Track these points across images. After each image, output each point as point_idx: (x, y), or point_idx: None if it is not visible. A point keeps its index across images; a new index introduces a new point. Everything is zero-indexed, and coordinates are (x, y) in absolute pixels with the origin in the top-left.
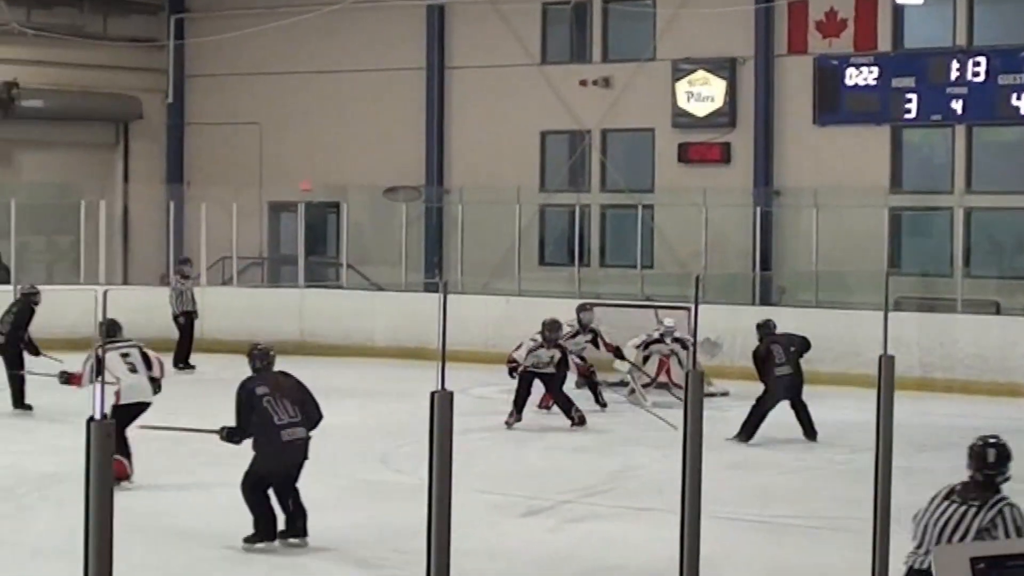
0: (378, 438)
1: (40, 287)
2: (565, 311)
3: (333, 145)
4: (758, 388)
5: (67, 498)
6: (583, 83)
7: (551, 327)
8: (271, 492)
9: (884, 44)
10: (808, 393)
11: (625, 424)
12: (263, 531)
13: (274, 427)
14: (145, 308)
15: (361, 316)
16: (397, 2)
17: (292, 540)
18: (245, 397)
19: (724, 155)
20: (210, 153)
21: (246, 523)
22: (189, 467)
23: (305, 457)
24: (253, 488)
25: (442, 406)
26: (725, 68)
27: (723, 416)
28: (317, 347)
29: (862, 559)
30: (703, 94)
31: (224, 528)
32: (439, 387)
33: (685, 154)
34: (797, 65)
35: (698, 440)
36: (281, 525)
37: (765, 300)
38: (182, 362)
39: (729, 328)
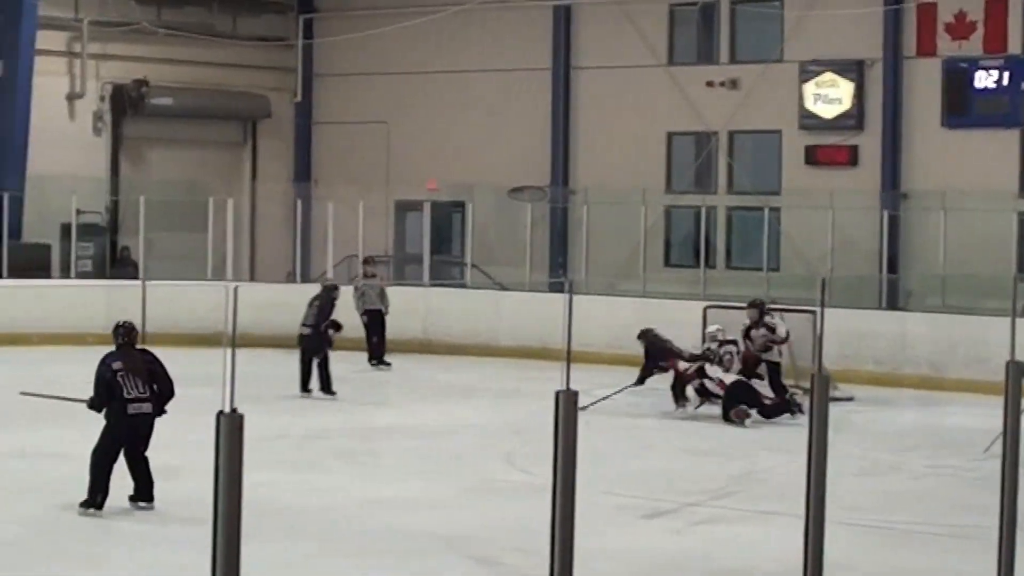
0: (502, 437)
1: (168, 282)
2: (690, 313)
3: (459, 145)
4: (885, 393)
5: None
6: (710, 84)
7: None
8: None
9: (1014, 46)
10: (935, 399)
11: (751, 429)
12: (93, 499)
13: (122, 400)
14: (271, 305)
15: (485, 315)
16: (524, 3)
17: (141, 504)
18: (102, 371)
19: (851, 157)
20: (337, 152)
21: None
22: None
23: (149, 430)
24: (101, 456)
25: (567, 406)
26: (853, 70)
27: (847, 420)
28: (440, 346)
29: (987, 567)
30: (831, 96)
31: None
32: (564, 386)
33: (812, 156)
34: (925, 67)
35: (823, 444)
36: (131, 491)
37: (892, 304)
38: (375, 359)
39: (855, 332)
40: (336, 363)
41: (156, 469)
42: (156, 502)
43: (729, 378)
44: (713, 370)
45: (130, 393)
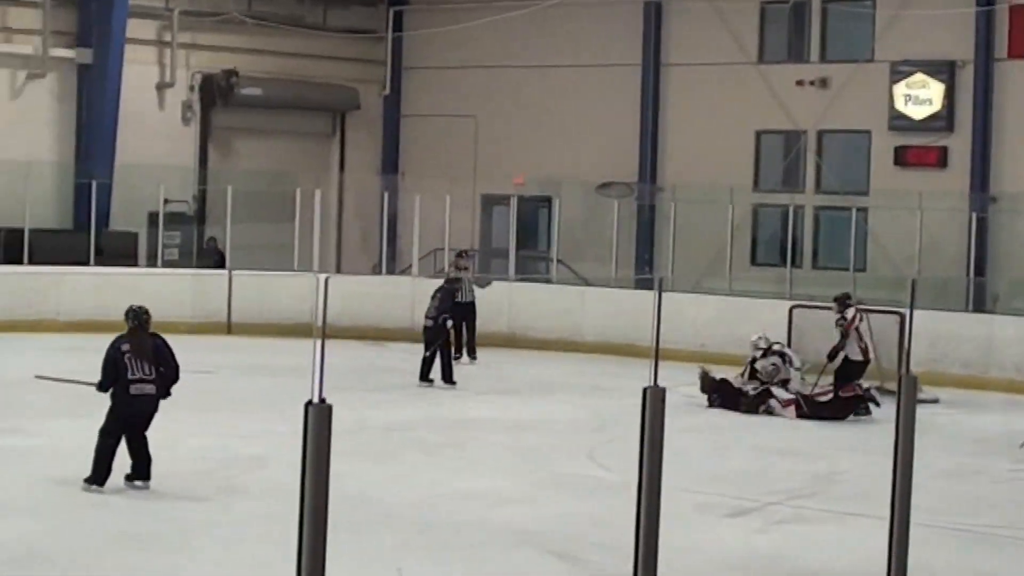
0: (585, 433)
1: (254, 273)
2: (776, 312)
3: (547, 140)
4: (971, 396)
5: (281, 481)
6: (800, 83)
7: None
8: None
9: None
10: (1021, 403)
11: (830, 429)
12: (96, 476)
13: (126, 381)
14: (356, 297)
15: (570, 311)
16: None
17: (137, 483)
18: (111, 353)
19: (941, 159)
20: (425, 145)
21: None
22: None
23: (153, 411)
24: (106, 435)
25: (654, 402)
26: (944, 71)
27: (932, 423)
28: (525, 341)
29: None
30: (921, 97)
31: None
32: (651, 383)
33: (902, 157)
34: (1018, 69)
35: (910, 445)
36: (127, 470)
37: (978, 307)
38: (463, 353)
39: (941, 334)
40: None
41: (242, 459)
42: (246, 491)
43: (788, 395)
44: (778, 391)
45: (135, 374)
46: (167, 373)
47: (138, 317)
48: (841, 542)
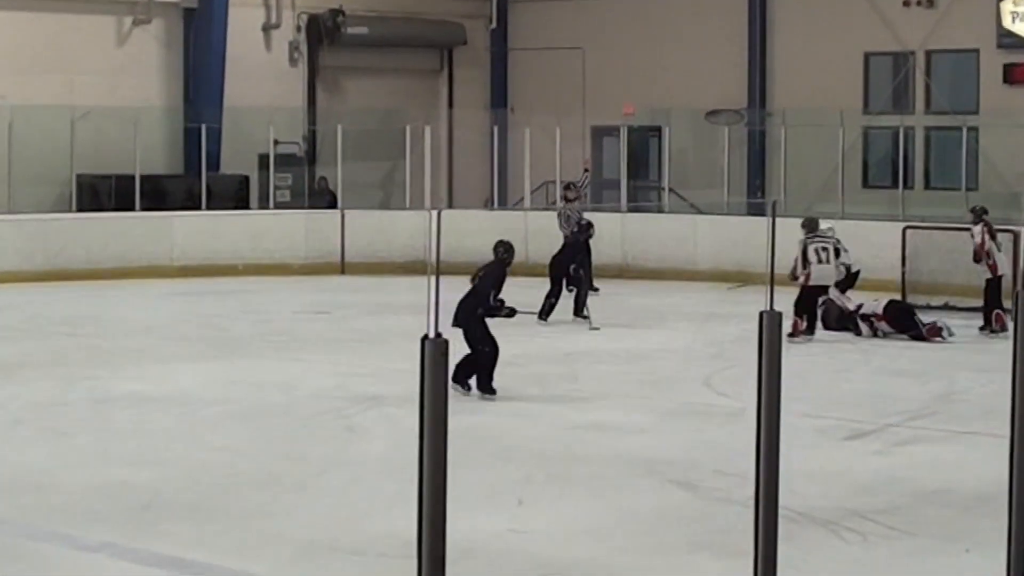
0: (702, 361)
1: (366, 211)
2: (889, 234)
3: (655, 69)
4: None
5: (398, 418)
6: (906, 3)
7: None
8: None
9: None
10: None
11: (946, 348)
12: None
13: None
14: (469, 232)
15: (683, 240)
16: None
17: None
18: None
19: None
20: (533, 78)
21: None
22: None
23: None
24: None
25: (771, 326)
26: None
27: None
28: (639, 271)
29: None
30: None
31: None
32: (767, 307)
33: (1010, 75)
34: None
35: None
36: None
37: None
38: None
39: None
40: (537, 289)
41: (360, 398)
42: (365, 430)
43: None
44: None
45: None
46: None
47: (510, 251)
48: (961, 462)
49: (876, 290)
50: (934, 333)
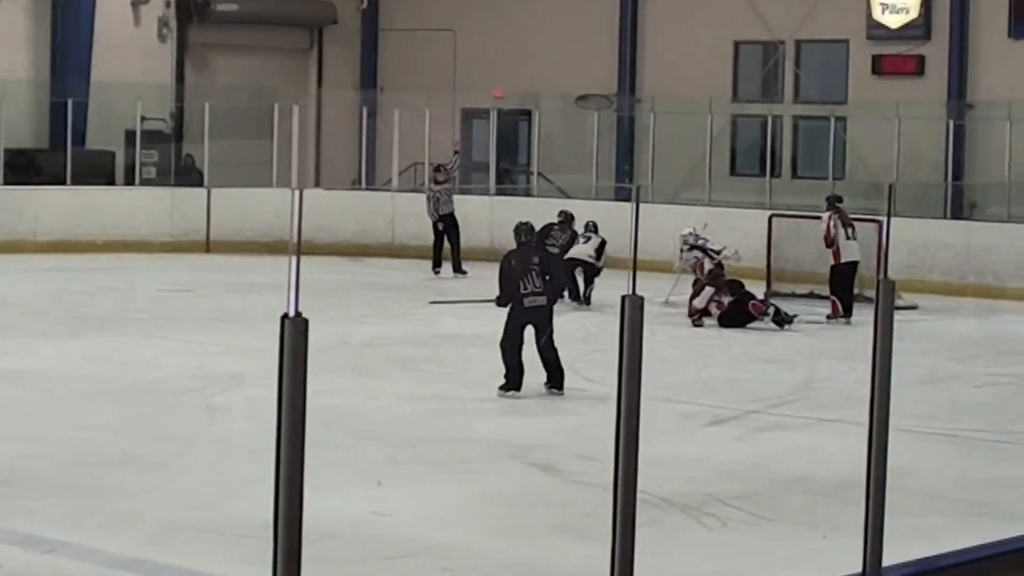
0: (567, 345)
1: (232, 190)
2: (755, 222)
3: (526, 52)
4: (949, 303)
5: (260, 398)
6: None
7: None
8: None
9: None
10: (996, 308)
11: (809, 336)
12: (511, 382)
13: (520, 295)
14: (336, 212)
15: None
16: None
17: (553, 391)
18: (504, 268)
19: (918, 67)
20: (403, 59)
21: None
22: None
23: (546, 321)
24: (506, 345)
25: (632, 310)
26: None
27: (911, 329)
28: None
29: None
30: (898, 5)
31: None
32: (630, 291)
33: (879, 66)
34: None
35: (888, 351)
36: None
37: (956, 213)
38: (438, 267)
39: (919, 241)
40: (402, 271)
41: (222, 377)
42: (227, 409)
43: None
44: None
45: (526, 288)
46: (554, 284)
47: (529, 232)
48: (821, 449)
49: (742, 278)
50: (759, 310)
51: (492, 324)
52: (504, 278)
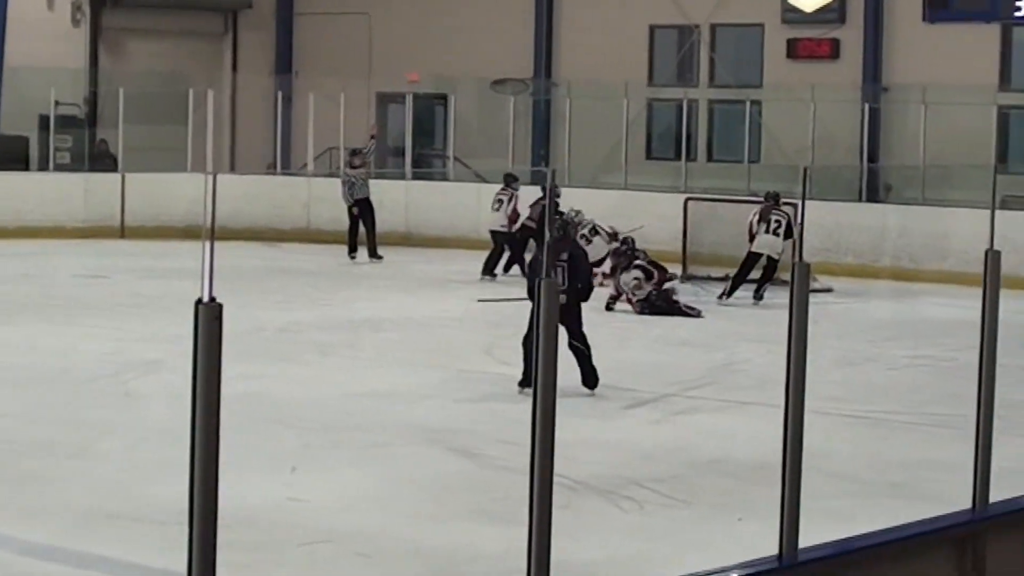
0: (483, 329)
1: (147, 175)
2: (671, 206)
3: (442, 36)
4: (864, 285)
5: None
6: None
7: None
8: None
9: None
10: (913, 290)
11: (728, 319)
12: (527, 378)
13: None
14: (252, 197)
15: (467, 208)
16: None
17: (584, 389)
18: (532, 263)
19: (833, 51)
20: (318, 43)
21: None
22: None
23: (567, 319)
24: (526, 341)
25: (548, 294)
26: None
27: (826, 312)
28: (422, 239)
29: (965, 455)
30: None
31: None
32: (543, 275)
33: (794, 50)
34: None
35: (803, 334)
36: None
37: (871, 196)
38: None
39: (834, 224)
40: (318, 256)
41: (138, 363)
42: (144, 395)
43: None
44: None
45: None
46: (580, 282)
47: (562, 228)
48: (739, 431)
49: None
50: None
51: (406, 309)
52: (531, 272)
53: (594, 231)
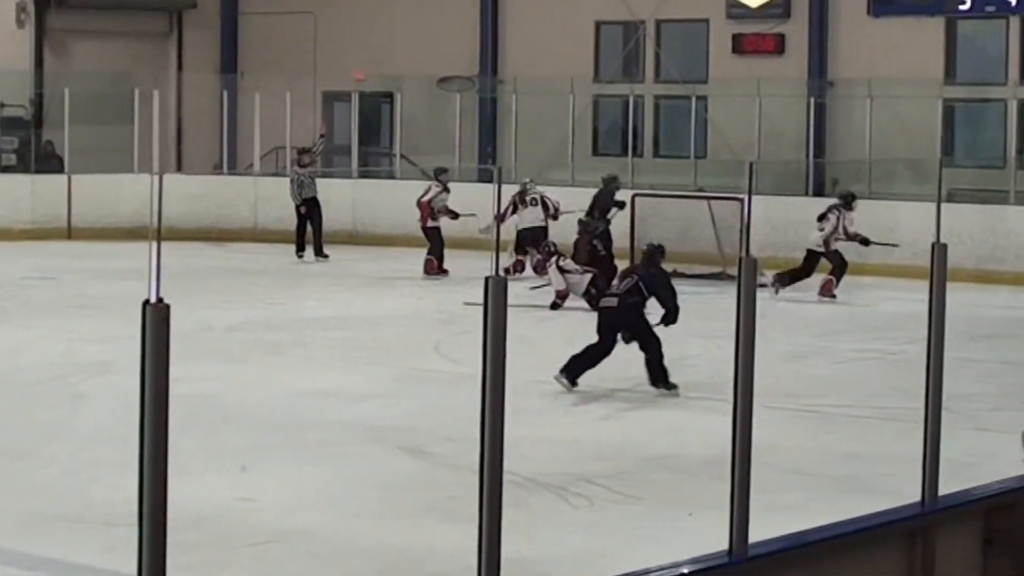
0: (430, 327)
1: (93, 176)
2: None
3: (387, 35)
4: (810, 280)
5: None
6: None
7: None
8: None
9: None
10: (859, 284)
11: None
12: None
13: (599, 296)
14: (198, 197)
15: (413, 206)
16: None
17: (654, 387)
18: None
19: (778, 46)
20: (264, 43)
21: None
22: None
23: (624, 323)
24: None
25: (496, 291)
26: None
27: (773, 306)
28: (369, 237)
29: (912, 448)
30: None
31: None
32: (493, 272)
33: (739, 45)
34: None
35: (751, 329)
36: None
37: (818, 191)
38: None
39: (781, 219)
40: (265, 256)
41: (87, 365)
42: (92, 396)
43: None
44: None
45: (608, 288)
46: (666, 305)
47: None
48: (688, 427)
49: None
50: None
51: (354, 307)
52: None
53: (537, 202)
